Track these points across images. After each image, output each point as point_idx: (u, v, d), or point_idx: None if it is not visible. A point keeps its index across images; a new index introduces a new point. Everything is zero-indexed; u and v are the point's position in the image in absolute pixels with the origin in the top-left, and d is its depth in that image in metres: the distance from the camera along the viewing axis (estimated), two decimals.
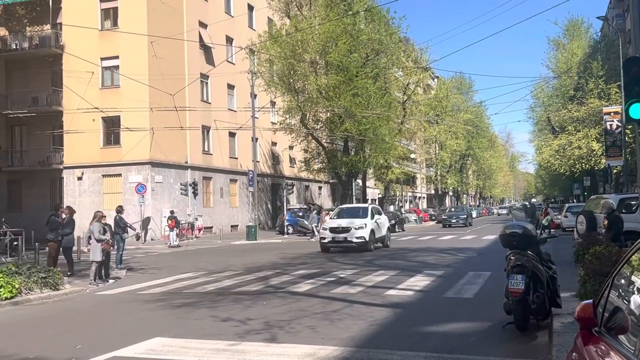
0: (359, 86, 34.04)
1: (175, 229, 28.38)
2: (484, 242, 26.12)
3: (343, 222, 22.16)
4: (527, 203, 70.88)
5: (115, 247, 17.13)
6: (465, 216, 47.36)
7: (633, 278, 3.27)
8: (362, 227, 21.73)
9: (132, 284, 14.14)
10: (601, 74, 39.17)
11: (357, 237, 21.44)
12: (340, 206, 27.69)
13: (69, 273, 15.35)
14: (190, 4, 35.94)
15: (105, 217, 15.03)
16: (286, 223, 35.96)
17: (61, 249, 15.75)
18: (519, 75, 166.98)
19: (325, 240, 22.05)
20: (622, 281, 3.38)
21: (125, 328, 8.94)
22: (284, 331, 8.08)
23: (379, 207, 27.10)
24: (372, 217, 22.74)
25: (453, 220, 46.42)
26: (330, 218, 24.64)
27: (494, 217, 76.78)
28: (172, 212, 30.42)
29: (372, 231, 22.13)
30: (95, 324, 9.54)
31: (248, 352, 6.99)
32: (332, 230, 21.98)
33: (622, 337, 2.98)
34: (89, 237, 14.56)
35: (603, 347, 3.14)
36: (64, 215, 16.08)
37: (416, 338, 7.55)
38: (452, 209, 54.40)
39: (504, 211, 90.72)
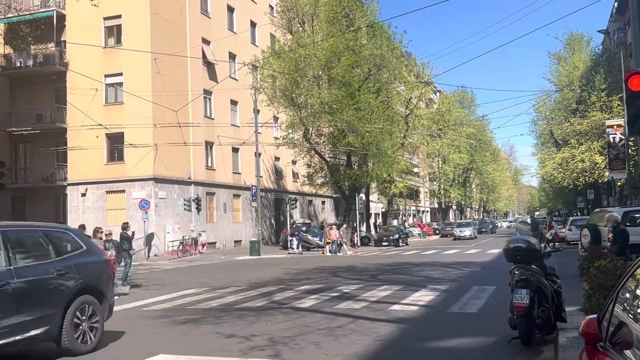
0: (361, 101, 34.19)
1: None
2: (488, 256, 26.01)
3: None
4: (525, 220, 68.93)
5: (123, 263, 17.11)
6: None
7: (638, 292, 3.26)
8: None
9: (136, 301, 14.11)
10: (603, 87, 39.22)
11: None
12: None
13: None
14: (193, 21, 36.22)
15: (102, 232, 15.00)
16: (290, 238, 35.90)
17: None
18: (521, 88, 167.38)
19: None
20: (627, 295, 3.38)
21: (129, 345, 8.90)
22: (288, 347, 8.03)
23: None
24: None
25: None
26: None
27: (441, 243, 44.45)
28: None
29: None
30: None
31: None
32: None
33: (627, 352, 2.97)
34: None
35: None
36: None
37: (421, 353, 7.51)
38: None
39: (467, 232, 50.27)
